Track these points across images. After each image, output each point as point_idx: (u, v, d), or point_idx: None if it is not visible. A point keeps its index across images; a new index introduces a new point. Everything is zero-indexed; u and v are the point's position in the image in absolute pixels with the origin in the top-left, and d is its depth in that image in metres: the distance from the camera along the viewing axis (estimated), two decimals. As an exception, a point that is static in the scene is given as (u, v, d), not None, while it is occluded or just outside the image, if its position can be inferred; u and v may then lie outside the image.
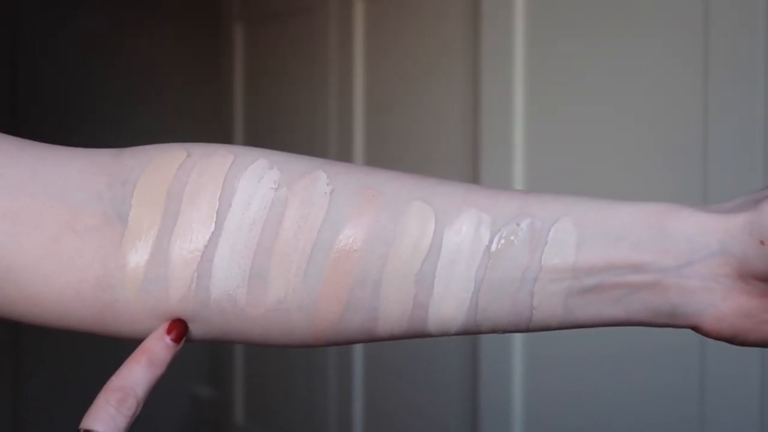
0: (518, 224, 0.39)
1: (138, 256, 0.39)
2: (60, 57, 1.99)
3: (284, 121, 1.88)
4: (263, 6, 1.96)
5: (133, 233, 0.40)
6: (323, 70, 1.72)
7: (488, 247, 0.39)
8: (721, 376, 1.03)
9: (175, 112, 2.13)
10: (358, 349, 1.64)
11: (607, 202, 0.40)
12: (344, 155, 1.66)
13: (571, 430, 1.24)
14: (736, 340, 0.38)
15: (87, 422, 0.37)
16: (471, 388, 1.39)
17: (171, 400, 2.12)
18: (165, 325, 0.40)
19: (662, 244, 0.38)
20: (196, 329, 0.40)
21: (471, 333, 0.40)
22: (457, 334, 0.40)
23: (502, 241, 0.39)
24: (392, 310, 0.39)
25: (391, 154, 1.58)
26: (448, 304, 0.39)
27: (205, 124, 2.12)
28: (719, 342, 0.39)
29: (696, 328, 0.39)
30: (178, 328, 0.40)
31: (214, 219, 0.39)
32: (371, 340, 0.41)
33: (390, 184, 0.40)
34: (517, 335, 1.28)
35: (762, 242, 0.36)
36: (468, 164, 1.39)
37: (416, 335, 0.40)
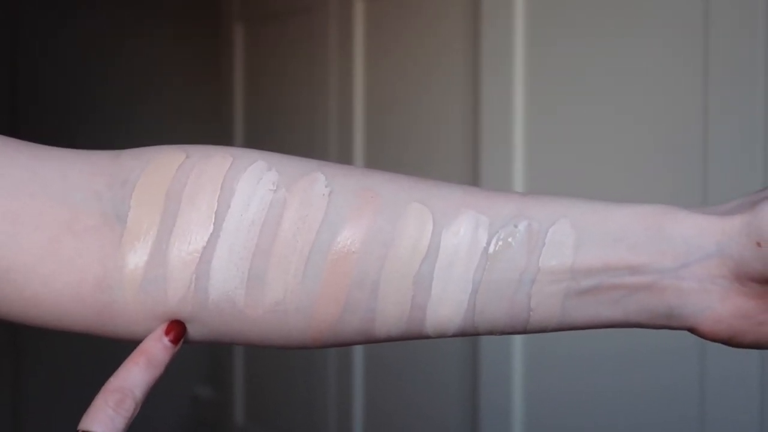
0: (516, 226, 0.39)
1: (137, 257, 0.39)
2: (60, 57, 1.99)
3: (284, 121, 1.88)
4: (263, 6, 1.96)
5: (132, 234, 0.40)
6: (323, 70, 1.72)
7: (486, 248, 0.39)
8: (721, 377, 1.03)
9: (175, 112, 2.13)
10: (358, 350, 1.64)
11: (604, 204, 0.40)
12: (344, 155, 1.66)
13: (571, 430, 1.24)
14: (732, 341, 0.39)
15: (85, 423, 0.37)
16: (471, 388, 1.39)
17: (171, 401, 2.12)
18: (163, 327, 0.40)
19: (659, 246, 0.38)
20: (194, 330, 0.40)
21: (468, 334, 0.40)
22: (454, 335, 0.40)
23: (500, 243, 0.39)
24: (390, 312, 0.40)
25: (391, 154, 1.58)
26: (446, 305, 0.39)
27: (205, 124, 2.12)
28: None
29: (693, 330, 0.39)
30: (177, 329, 0.40)
31: (213, 220, 0.39)
32: (369, 341, 0.41)
33: (388, 186, 0.40)
34: (517, 336, 1.28)
35: (759, 244, 0.36)
36: (468, 164, 1.39)
37: (414, 337, 0.40)
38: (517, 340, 1.28)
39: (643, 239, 0.38)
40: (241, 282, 0.39)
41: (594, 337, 1.12)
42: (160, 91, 2.12)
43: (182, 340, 0.40)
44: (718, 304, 0.38)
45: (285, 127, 1.87)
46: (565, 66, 1.23)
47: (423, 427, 1.52)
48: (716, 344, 0.39)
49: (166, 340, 0.39)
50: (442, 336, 0.40)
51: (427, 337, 0.41)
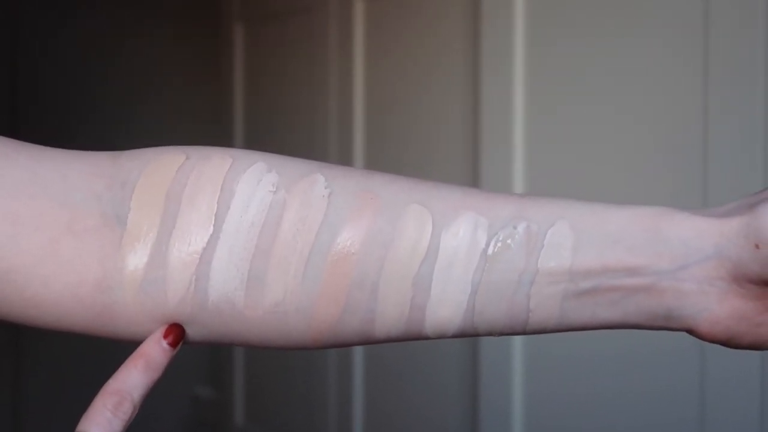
0: (515, 227, 0.39)
1: (137, 259, 0.39)
2: (60, 57, 1.99)
3: (284, 121, 1.88)
4: (263, 6, 1.96)
5: (132, 235, 0.40)
6: (323, 70, 1.72)
7: (485, 250, 0.39)
8: (721, 378, 1.03)
9: (175, 112, 2.13)
10: (358, 350, 1.64)
11: (603, 206, 0.40)
12: (344, 155, 1.66)
13: (571, 431, 1.24)
14: (730, 343, 0.39)
15: (84, 425, 0.37)
16: (471, 389, 1.39)
17: (171, 401, 2.12)
18: (162, 330, 0.40)
19: (658, 248, 0.38)
20: (194, 332, 0.40)
21: (468, 335, 0.40)
22: (454, 336, 0.40)
23: (499, 245, 0.39)
24: (390, 313, 0.40)
25: (391, 154, 1.58)
26: (445, 306, 0.39)
27: (205, 124, 2.12)
28: (718, 344, 0.39)
29: (691, 331, 0.39)
30: (175, 332, 0.40)
31: (213, 221, 0.39)
32: (368, 342, 0.41)
33: (387, 187, 0.40)
34: (517, 336, 1.27)
35: (757, 246, 0.36)
36: (468, 164, 1.39)
37: (413, 338, 0.41)
38: (517, 340, 1.28)
39: (642, 241, 0.38)
40: (241, 283, 0.39)
41: (594, 338, 1.12)
42: (160, 91, 2.12)
43: (181, 343, 0.40)
44: (716, 306, 0.38)
45: (285, 127, 1.87)
46: (565, 66, 1.23)
47: (423, 428, 1.52)
48: (716, 346, 0.39)
49: (164, 343, 0.40)
50: (441, 337, 0.41)
51: (427, 337, 0.41)
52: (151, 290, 0.39)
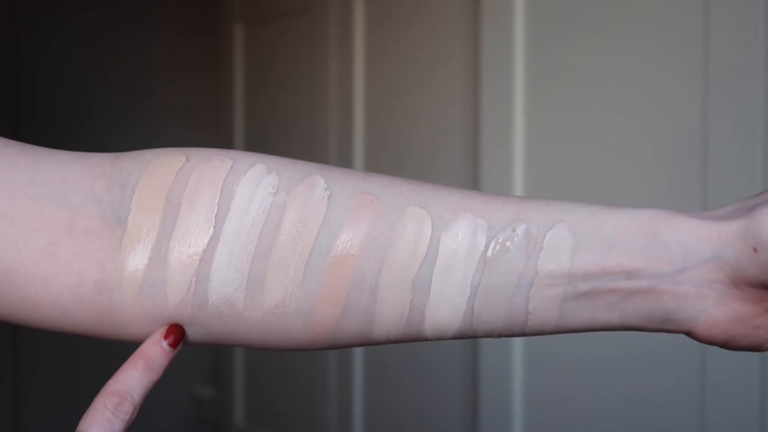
0: (514, 230, 0.39)
1: (137, 260, 0.39)
2: (60, 57, 1.99)
3: (284, 121, 1.88)
4: (263, 6, 1.96)
5: (132, 237, 0.40)
6: (323, 70, 1.72)
7: (484, 252, 0.39)
8: (721, 378, 1.03)
9: (175, 112, 2.13)
10: (359, 350, 1.64)
11: (602, 208, 0.40)
12: (344, 155, 1.66)
13: (571, 431, 1.24)
14: (728, 345, 0.39)
15: (84, 425, 0.37)
16: (471, 389, 1.39)
17: (171, 400, 2.12)
18: (162, 330, 0.40)
19: (656, 251, 0.38)
20: (193, 333, 0.40)
21: (467, 337, 0.41)
22: (453, 338, 0.41)
23: (498, 247, 0.39)
24: (389, 315, 0.40)
25: (390, 154, 1.59)
26: (444, 308, 0.40)
27: (205, 124, 2.12)
28: (717, 345, 0.39)
29: (689, 334, 0.39)
30: (175, 333, 0.40)
31: (213, 223, 0.40)
32: (367, 343, 0.41)
33: (387, 189, 0.40)
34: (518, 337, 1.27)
35: (755, 249, 0.37)
36: (468, 164, 1.39)
37: (412, 339, 0.41)
38: (517, 341, 1.28)
39: (640, 244, 0.38)
40: (241, 285, 0.39)
41: (594, 339, 1.12)
42: (160, 91, 2.12)
43: (181, 344, 0.40)
44: (714, 309, 0.38)
45: (285, 127, 1.87)
46: (565, 66, 1.23)
47: (423, 428, 1.52)
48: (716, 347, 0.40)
49: (164, 344, 0.40)
50: (440, 338, 0.41)
51: (426, 339, 0.41)
52: (151, 292, 0.39)
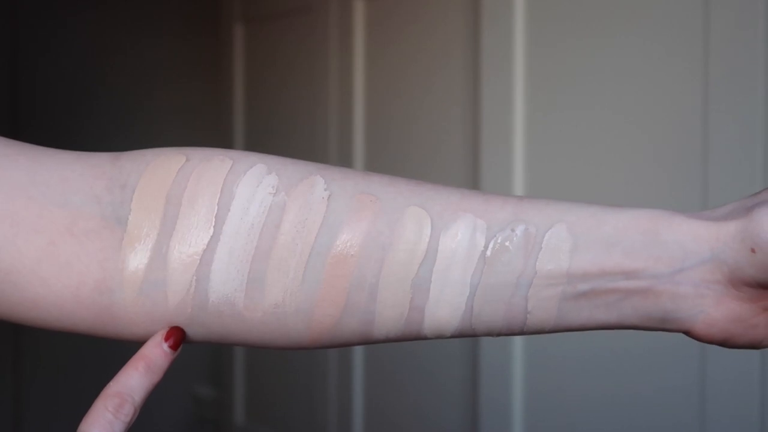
0: (513, 230, 0.40)
1: (137, 260, 0.40)
2: (60, 57, 2.00)
3: (284, 121, 1.88)
4: (263, 6, 1.96)
5: (132, 237, 0.40)
6: (323, 70, 1.72)
7: (483, 252, 0.39)
8: (721, 378, 1.03)
9: (175, 112, 2.13)
10: (359, 350, 1.64)
11: (601, 208, 0.40)
12: (344, 155, 1.66)
13: (571, 431, 1.24)
14: (726, 344, 0.39)
15: (84, 427, 0.37)
16: (471, 389, 1.39)
17: (171, 400, 2.12)
18: (163, 332, 0.40)
19: (655, 251, 0.38)
20: (193, 332, 0.41)
21: (466, 336, 0.41)
22: (452, 337, 0.41)
23: (497, 247, 0.39)
24: (388, 314, 0.40)
25: (390, 154, 1.59)
26: (444, 308, 0.40)
27: (205, 124, 2.12)
28: (718, 344, 0.39)
29: (687, 333, 0.39)
30: (176, 335, 0.40)
31: (213, 223, 0.40)
32: (367, 342, 0.41)
33: (386, 190, 0.41)
34: (517, 336, 1.27)
35: (753, 250, 0.37)
36: (468, 164, 1.39)
37: (412, 338, 0.41)
38: (517, 340, 1.28)
39: (639, 244, 0.39)
40: (241, 285, 0.39)
41: (594, 338, 1.12)
42: (160, 91, 2.12)
43: (181, 346, 0.40)
44: (712, 309, 0.38)
45: (285, 127, 1.87)
46: (565, 66, 1.23)
47: (423, 428, 1.52)
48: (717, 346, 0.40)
49: (165, 346, 0.40)
50: (439, 337, 0.41)
51: (425, 338, 0.41)
52: (152, 291, 0.39)
